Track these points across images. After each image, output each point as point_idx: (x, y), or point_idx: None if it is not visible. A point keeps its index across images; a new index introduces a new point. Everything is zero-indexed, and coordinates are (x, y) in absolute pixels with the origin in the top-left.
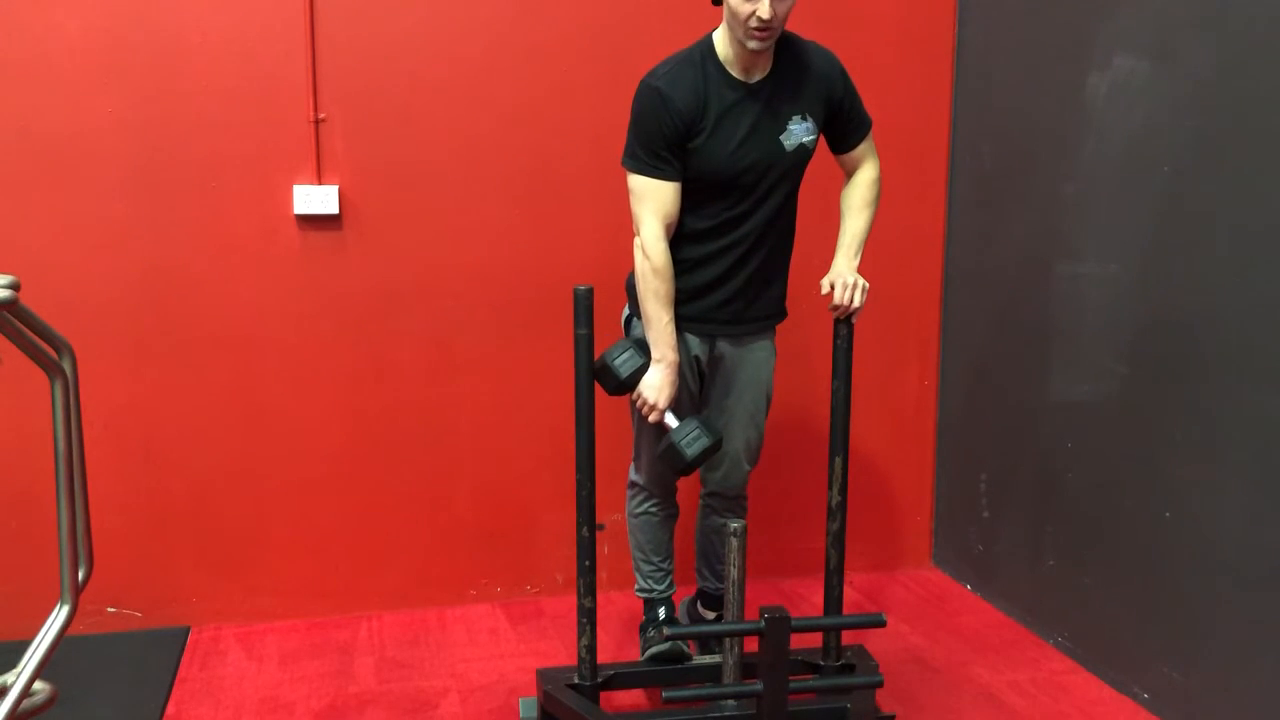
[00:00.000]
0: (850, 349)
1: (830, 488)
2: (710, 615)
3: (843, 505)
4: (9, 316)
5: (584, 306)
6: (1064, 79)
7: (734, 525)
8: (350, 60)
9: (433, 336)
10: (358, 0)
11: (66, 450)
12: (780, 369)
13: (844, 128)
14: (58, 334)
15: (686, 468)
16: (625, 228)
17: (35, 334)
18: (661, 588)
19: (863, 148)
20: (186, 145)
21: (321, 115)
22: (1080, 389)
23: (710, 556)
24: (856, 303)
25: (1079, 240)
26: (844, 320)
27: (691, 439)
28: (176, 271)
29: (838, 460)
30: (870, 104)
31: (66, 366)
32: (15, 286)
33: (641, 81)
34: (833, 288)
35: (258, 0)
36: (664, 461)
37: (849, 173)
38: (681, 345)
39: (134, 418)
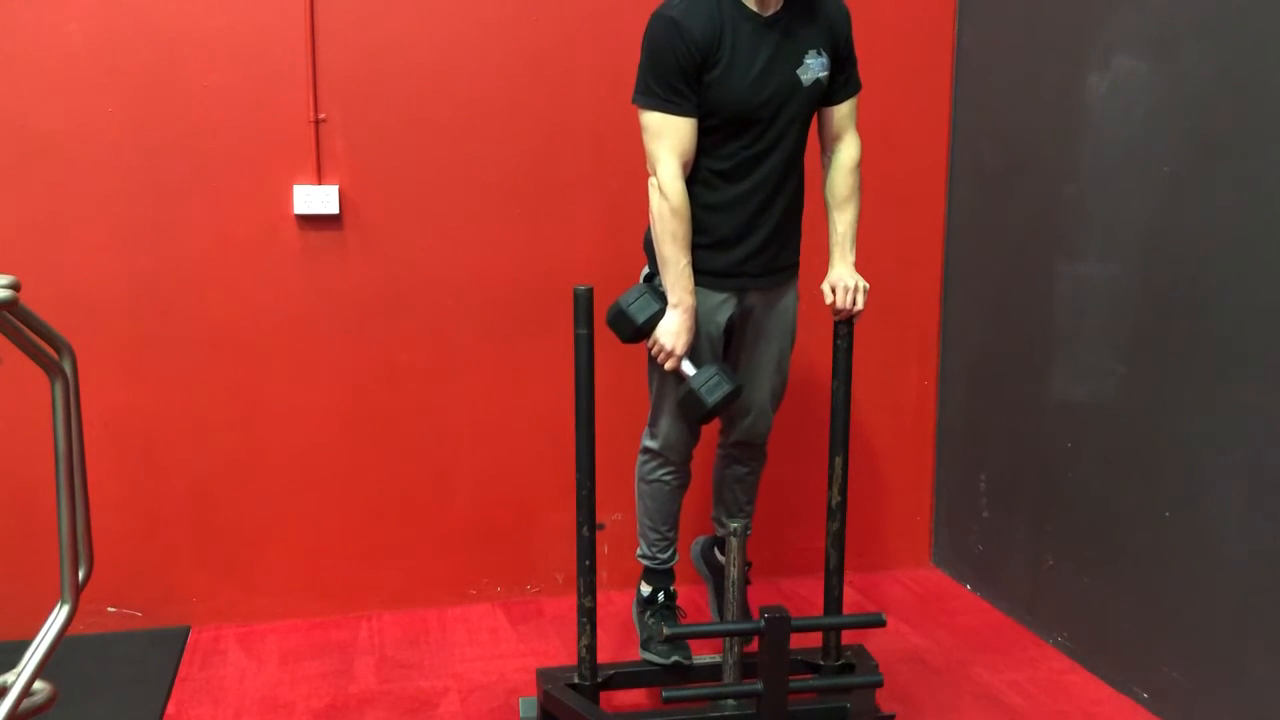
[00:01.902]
0: (850, 349)
1: (830, 488)
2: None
3: (843, 505)
4: (9, 316)
5: (584, 306)
6: (1064, 79)
7: (733, 525)
8: (350, 60)
9: (433, 336)
10: (358, 0)
11: (66, 450)
12: None
13: (837, 76)
14: (58, 334)
15: (707, 415)
16: (625, 227)
17: (35, 334)
18: (665, 556)
19: (847, 110)
20: (186, 145)
21: (321, 115)
22: (1080, 389)
23: (729, 503)
24: (859, 306)
25: (1079, 240)
26: (844, 321)
27: (712, 385)
28: (176, 271)
29: (838, 460)
30: (870, 104)
31: (66, 366)
32: (15, 286)
33: (654, 13)
34: (834, 293)
35: (258, 0)
36: (683, 410)
37: (827, 144)
38: (709, 311)
39: (134, 418)
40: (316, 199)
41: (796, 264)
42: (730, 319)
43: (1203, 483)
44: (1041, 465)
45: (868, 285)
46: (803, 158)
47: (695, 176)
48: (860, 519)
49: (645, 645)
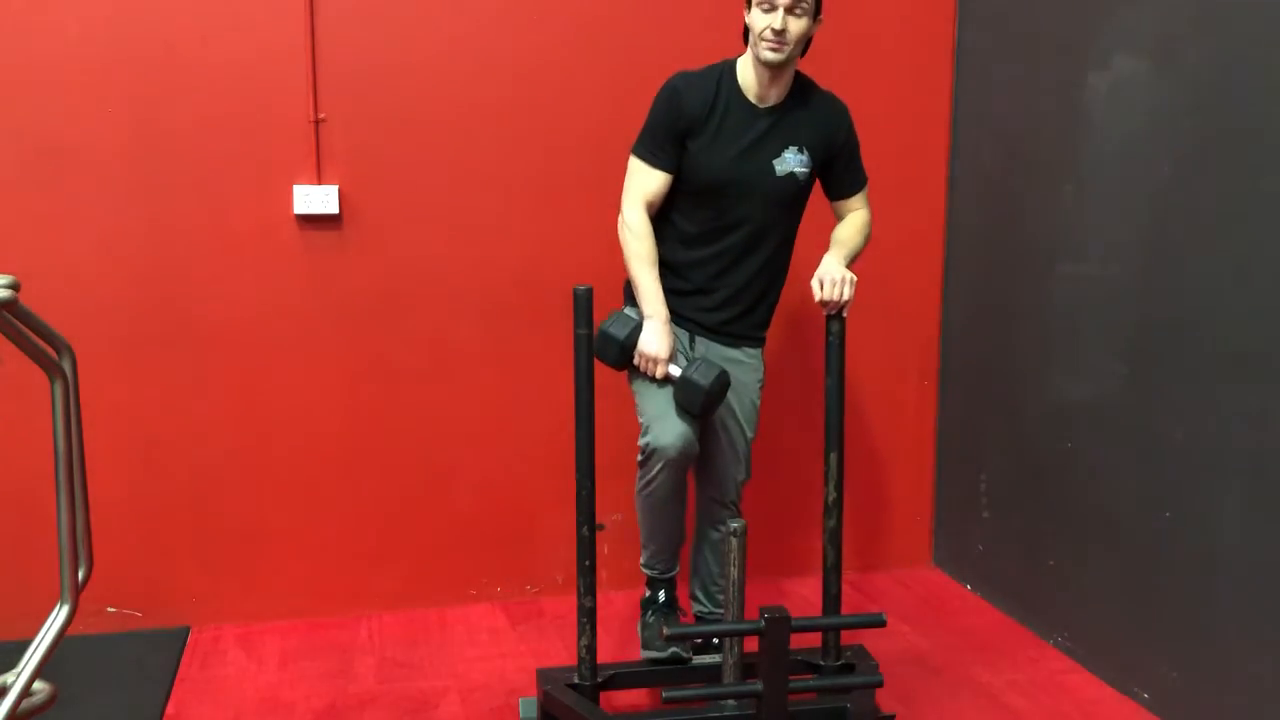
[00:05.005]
0: (842, 345)
1: (826, 484)
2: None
3: (839, 502)
4: (9, 316)
5: (584, 306)
6: (1064, 79)
7: (734, 525)
8: (350, 60)
9: (432, 336)
10: (358, 1)
11: (66, 450)
12: (779, 369)
13: (839, 175)
14: (58, 334)
15: (705, 398)
16: None
17: (35, 334)
18: (662, 567)
19: (856, 201)
20: (186, 145)
21: (321, 115)
22: (1080, 389)
23: (705, 578)
24: (846, 296)
25: (1079, 240)
26: (835, 316)
27: (704, 370)
28: (176, 271)
29: (833, 456)
30: (871, 104)
31: (66, 366)
32: (15, 286)
33: (669, 77)
34: (821, 285)
35: (258, 1)
36: (683, 401)
37: (840, 217)
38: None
39: (134, 418)
40: (316, 199)
41: (759, 339)
42: (683, 353)
43: (1203, 483)
44: (1041, 466)
45: (855, 278)
46: (780, 243)
47: (672, 234)
48: (861, 519)
49: (646, 645)
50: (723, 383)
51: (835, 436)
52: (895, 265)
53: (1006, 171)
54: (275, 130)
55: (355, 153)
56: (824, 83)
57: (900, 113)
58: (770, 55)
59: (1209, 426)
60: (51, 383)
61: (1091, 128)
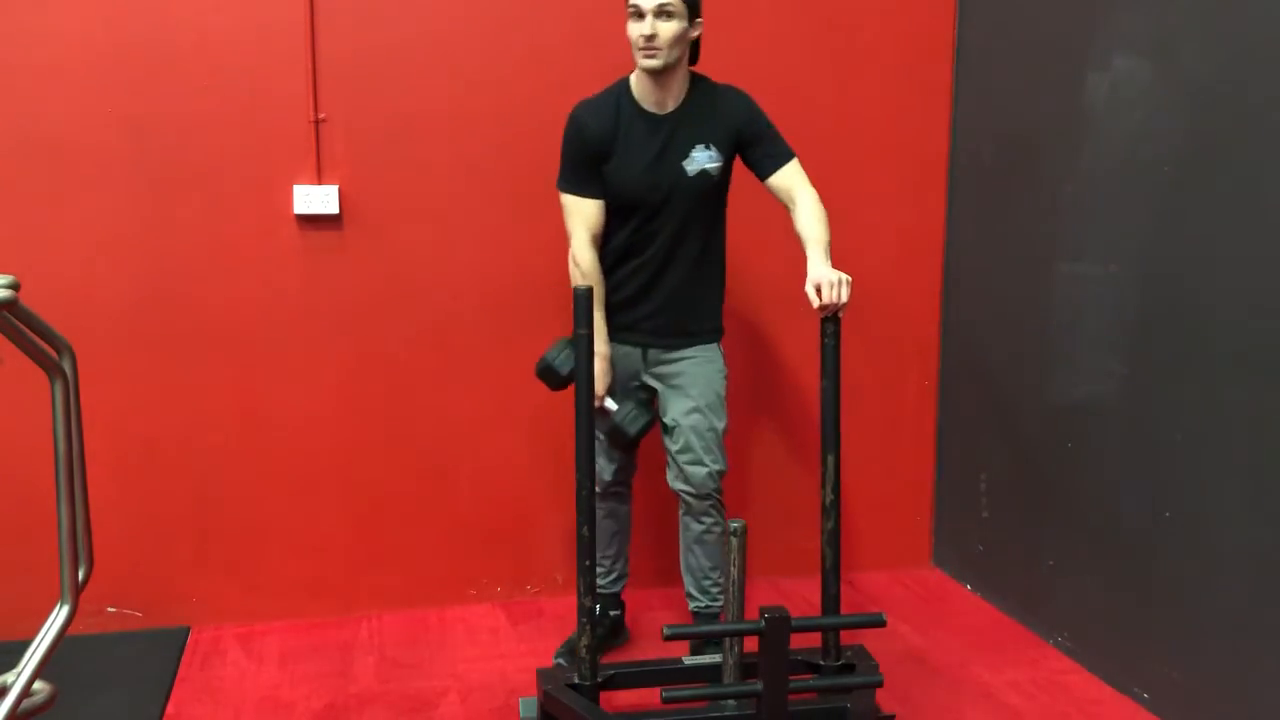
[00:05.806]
0: (838, 346)
1: (824, 486)
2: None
3: (836, 504)
4: (9, 316)
5: (584, 306)
6: (1064, 79)
7: (734, 525)
8: (350, 60)
9: (432, 336)
10: (358, 1)
11: (66, 450)
12: (778, 370)
13: (759, 153)
14: (58, 334)
15: (631, 441)
16: None
17: (35, 334)
18: (601, 574)
19: (788, 174)
20: (186, 145)
21: (321, 115)
22: (1080, 389)
23: (695, 572)
24: (844, 298)
25: (1079, 240)
26: (831, 317)
27: (632, 418)
28: (177, 271)
29: (830, 458)
30: (870, 104)
31: (66, 366)
32: (15, 286)
33: (572, 109)
34: (819, 291)
35: (258, 0)
36: (611, 440)
37: (786, 203)
38: (620, 359)
39: (134, 418)
40: (316, 199)
41: (710, 330)
42: (641, 372)
43: (1203, 483)
44: (1041, 465)
45: (849, 277)
46: (709, 237)
47: (608, 248)
48: (860, 519)
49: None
50: (648, 428)
51: (832, 438)
52: (895, 265)
53: (1006, 171)
54: (275, 130)
55: (355, 153)
56: (824, 85)
57: (900, 113)
58: (646, 62)
59: (1209, 426)
60: (51, 383)
61: (1091, 128)
